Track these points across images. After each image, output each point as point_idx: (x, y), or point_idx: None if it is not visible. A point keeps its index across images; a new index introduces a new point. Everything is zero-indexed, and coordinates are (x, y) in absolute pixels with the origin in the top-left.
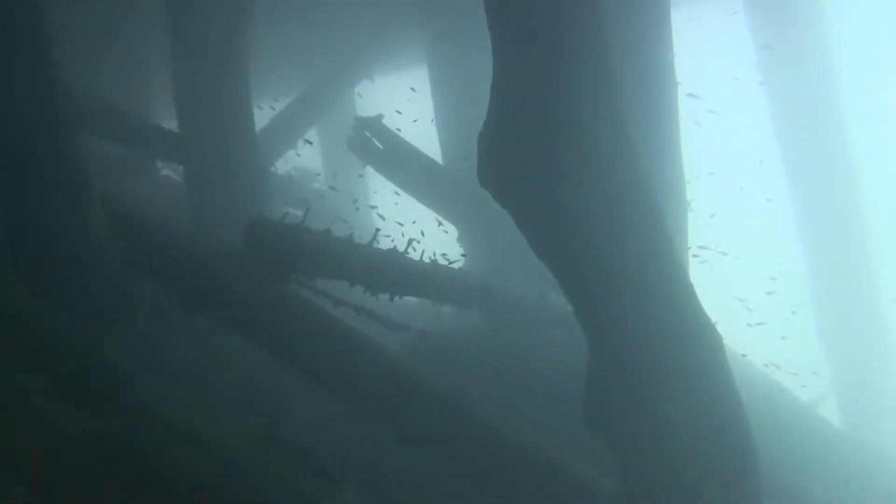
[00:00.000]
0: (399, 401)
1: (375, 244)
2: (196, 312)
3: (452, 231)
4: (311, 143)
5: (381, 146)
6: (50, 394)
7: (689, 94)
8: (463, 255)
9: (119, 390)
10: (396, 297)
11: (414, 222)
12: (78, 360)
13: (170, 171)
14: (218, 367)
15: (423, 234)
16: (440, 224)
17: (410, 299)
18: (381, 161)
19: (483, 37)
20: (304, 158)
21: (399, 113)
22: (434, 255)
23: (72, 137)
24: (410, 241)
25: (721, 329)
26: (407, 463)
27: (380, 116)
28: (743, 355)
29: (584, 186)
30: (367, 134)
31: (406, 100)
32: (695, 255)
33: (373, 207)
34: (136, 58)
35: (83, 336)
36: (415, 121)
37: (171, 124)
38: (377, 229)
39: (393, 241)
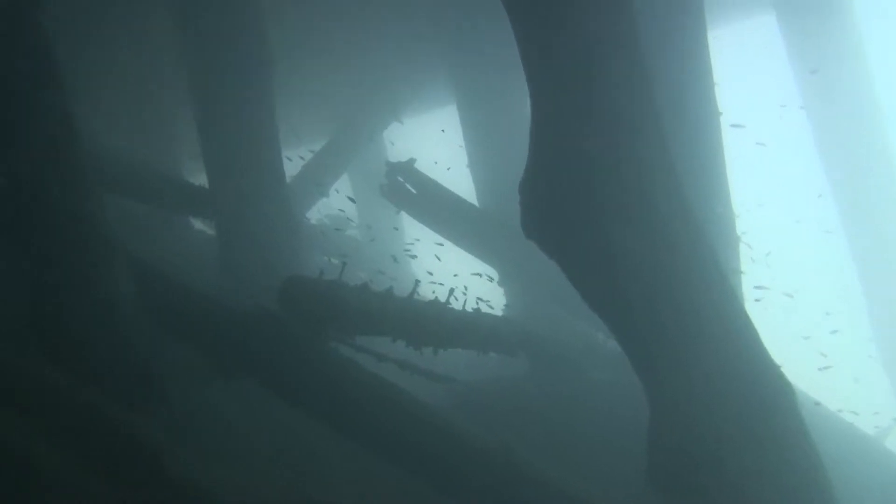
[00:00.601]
0: (446, 461)
1: (416, 296)
2: (231, 376)
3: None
4: (338, 191)
5: (414, 191)
6: (75, 469)
7: (734, 125)
8: (506, 306)
9: (148, 468)
10: (441, 350)
11: (455, 275)
12: (105, 437)
13: (203, 226)
14: (255, 431)
15: (465, 289)
16: (481, 276)
17: (455, 350)
18: (414, 206)
19: (512, 74)
20: (336, 203)
21: (436, 164)
22: (477, 301)
23: (94, 198)
24: (451, 291)
25: (788, 372)
26: None
27: (412, 160)
28: (817, 403)
29: (634, 230)
30: (400, 179)
31: (437, 141)
32: (757, 300)
33: (412, 257)
34: (163, 114)
35: (109, 411)
36: (448, 169)
37: (201, 179)
38: (417, 281)
39: (434, 292)
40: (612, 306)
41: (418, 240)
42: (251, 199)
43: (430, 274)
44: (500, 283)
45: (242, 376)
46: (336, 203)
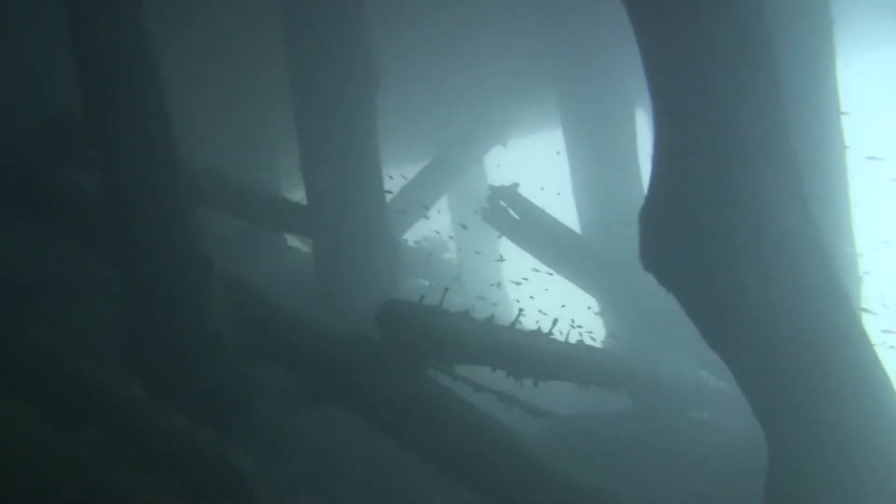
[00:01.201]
0: (542, 501)
1: (518, 325)
2: (324, 400)
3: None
4: (439, 211)
5: (516, 216)
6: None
7: (870, 157)
8: (607, 337)
9: (239, 498)
10: (540, 382)
11: (563, 306)
12: (197, 464)
13: (299, 244)
14: (347, 460)
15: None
16: (589, 308)
17: (555, 382)
18: (516, 231)
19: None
20: (436, 225)
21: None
22: (580, 333)
23: (191, 213)
24: (555, 322)
25: None
26: None
27: (515, 185)
28: None
29: (764, 268)
30: (502, 203)
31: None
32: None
33: (517, 283)
34: (262, 130)
35: (200, 436)
36: (542, 188)
37: (299, 195)
38: (520, 310)
39: (537, 322)
40: (736, 349)
41: (534, 271)
42: (350, 217)
43: (532, 298)
44: (601, 315)
45: (337, 401)
46: (436, 225)
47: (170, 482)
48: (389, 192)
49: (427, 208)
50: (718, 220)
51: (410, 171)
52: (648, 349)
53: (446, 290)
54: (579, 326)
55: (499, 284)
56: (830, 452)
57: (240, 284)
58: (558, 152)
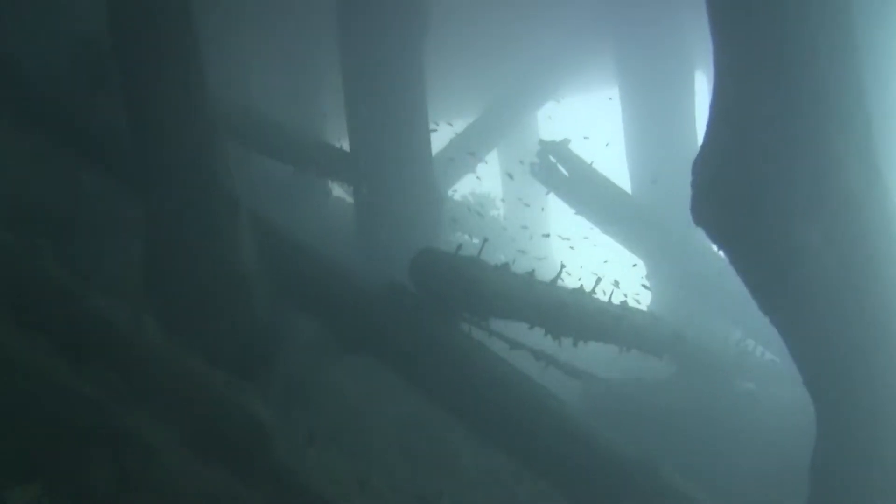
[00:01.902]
0: (582, 470)
1: (560, 282)
2: (353, 351)
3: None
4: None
5: (566, 172)
6: (177, 448)
7: None
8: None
9: (256, 448)
10: (580, 342)
11: (605, 262)
12: (213, 410)
13: (343, 193)
14: (375, 412)
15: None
16: (634, 265)
17: (595, 344)
18: (565, 188)
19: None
20: (484, 182)
21: (586, 138)
22: (625, 295)
23: (220, 152)
24: (598, 280)
25: None
26: None
27: (566, 141)
28: None
29: (826, 228)
30: (552, 159)
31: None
32: None
33: (565, 239)
34: (308, 75)
35: (218, 384)
36: (607, 145)
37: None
38: (562, 264)
39: (580, 279)
40: (792, 314)
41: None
42: (393, 165)
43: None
44: (648, 277)
45: (367, 353)
46: (484, 182)
47: (181, 428)
48: (434, 128)
49: (474, 155)
50: (779, 174)
51: (460, 125)
52: (695, 315)
53: (485, 240)
54: (623, 292)
55: (547, 236)
56: (885, 430)
57: (269, 226)
58: (611, 98)
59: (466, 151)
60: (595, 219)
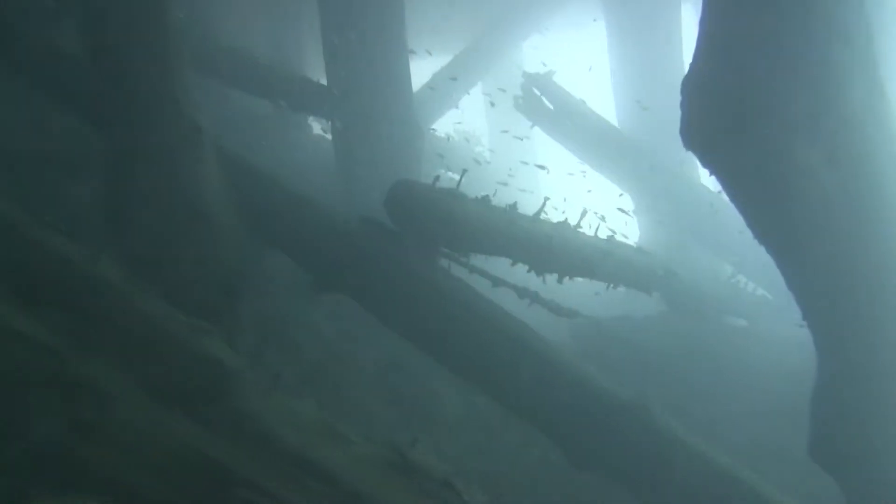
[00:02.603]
0: (568, 411)
1: (543, 216)
2: (328, 290)
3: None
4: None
5: (550, 105)
6: (135, 395)
7: None
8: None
9: (218, 394)
10: (566, 279)
11: (589, 191)
12: (173, 354)
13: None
14: (353, 353)
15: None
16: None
17: (581, 280)
18: (550, 122)
19: None
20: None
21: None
22: (611, 229)
23: (181, 78)
24: (584, 213)
25: None
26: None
27: (550, 73)
28: None
29: (828, 149)
30: (537, 92)
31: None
32: None
33: (540, 167)
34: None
35: (179, 327)
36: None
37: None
38: (546, 198)
39: (564, 213)
40: (791, 242)
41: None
42: (370, 98)
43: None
44: (636, 213)
45: (344, 292)
46: (468, 119)
47: (139, 374)
48: (412, 51)
49: (455, 79)
50: (777, 89)
51: (443, 59)
52: (683, 250)
53: (465, 171)
54: (611, 227)
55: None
56: (889, 359)
57: (237, 158)
58: (595, 20)
59: (449, 78)
60: (581, 152)
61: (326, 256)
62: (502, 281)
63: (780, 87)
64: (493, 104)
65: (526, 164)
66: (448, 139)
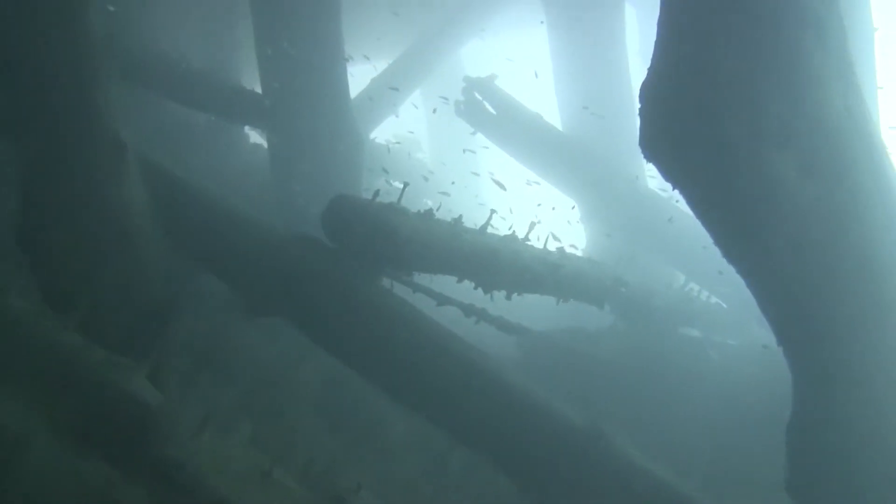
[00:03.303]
0: (517, 436)
1: (490, 229)
2: (262, 313)
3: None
4: (416, 107)
5: (493, 111)
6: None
7: None
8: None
9: (139, 438)
10: (514, 295)
11: (539, 205)
12: (90, 393)
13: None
14: (291, 377)
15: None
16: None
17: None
18: (493, 127)
19: None
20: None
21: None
22: (560, 241)
23: (103, 88)
24: (532, 225)
25: None
26: None
27: (492, 76)
28: None
29: (802, 157)
30: (478, 97)
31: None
32: None
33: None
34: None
35: (98, 363)
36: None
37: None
38: (492, 210)
39: (511, 227)
40: (762, 257)
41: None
42: (306, 106)
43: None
44: (582, 220)
45: (278, 314)
46: (408, 125)
47: (54, 415)
48: (349, 57)
49: (394, 103)
50: (746, 94)
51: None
52: (633, 259)
53: (406, 184)
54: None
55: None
56: (871, 381)
57: (164, 173)
58: (542, 22)
59: (388, 87)
60: (525, 159)
61: (260, 277)
62: (448, 299)
63: (750, 91)
64: (434, 111)
65: (477, 175)
66: (388, 150)
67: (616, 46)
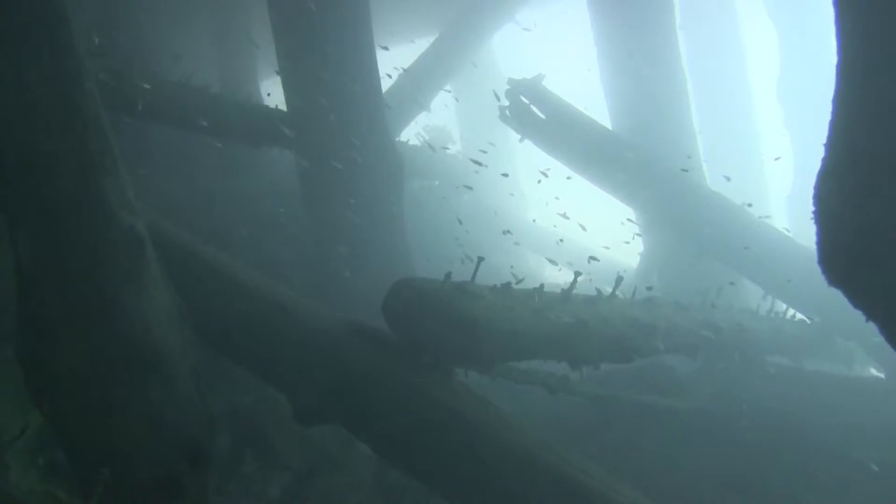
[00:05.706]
0: None
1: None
2: (314, 423)
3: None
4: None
5: (541, 115)
6: None
7: None
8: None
9: None
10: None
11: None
12: None
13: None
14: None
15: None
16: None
17: None
18: (542, 133)
19: None
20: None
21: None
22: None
23: (113, 171)
24: (619, 280)
25: None
26: None
27: (539, 77)
28: None
29: None
30: (524, 100)
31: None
32: None
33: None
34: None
35: None
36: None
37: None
38: (576, 273)
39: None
40: None
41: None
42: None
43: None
44: (642, 234)
45: (333, 421)
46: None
47: None
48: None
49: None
50: None
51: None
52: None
53: (480, 259)
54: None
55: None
56: None
57: (192, 258)
58: None
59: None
60: (579, 166)
61: (310, 379)
62: (526, 375)
63: None
64: (457, 100)
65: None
66: (424, 148)
67: (665, 24)
